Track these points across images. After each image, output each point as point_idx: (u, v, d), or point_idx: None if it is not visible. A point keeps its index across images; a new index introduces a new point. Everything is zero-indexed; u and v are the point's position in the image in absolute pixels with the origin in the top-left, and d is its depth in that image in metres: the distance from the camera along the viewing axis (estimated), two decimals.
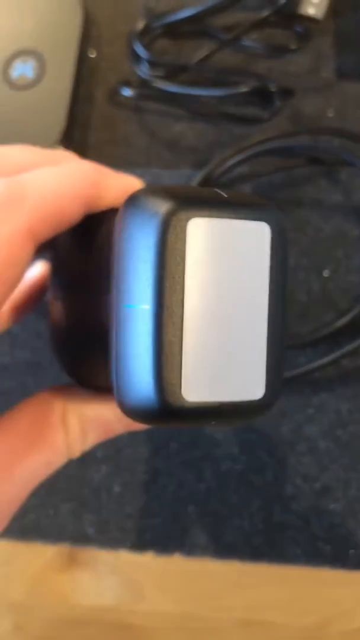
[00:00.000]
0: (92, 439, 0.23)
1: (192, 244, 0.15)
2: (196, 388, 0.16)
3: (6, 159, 0.21)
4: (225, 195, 0.16)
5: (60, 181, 0.19)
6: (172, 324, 0.15)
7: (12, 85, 0.43)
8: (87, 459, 0.37)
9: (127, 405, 0.17)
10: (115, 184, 0.20)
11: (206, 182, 0.35)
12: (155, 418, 0.16)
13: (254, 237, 0.16)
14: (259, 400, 0.16)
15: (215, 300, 0.16)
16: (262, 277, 0.16)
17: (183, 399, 0.16)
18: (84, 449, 0.23)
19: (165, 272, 0.15)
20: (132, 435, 0.36)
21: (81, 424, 0.22)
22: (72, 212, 0.19)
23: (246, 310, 0.16)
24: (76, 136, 0.44)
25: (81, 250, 0.18)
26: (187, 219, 0.15)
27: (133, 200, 0.16)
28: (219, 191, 0.16)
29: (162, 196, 0.15)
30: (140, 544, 0.36)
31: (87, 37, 0.45)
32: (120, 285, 0.16)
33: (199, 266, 0.15)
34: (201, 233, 0.15)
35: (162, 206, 0.15)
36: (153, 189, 0.16)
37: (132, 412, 0.17)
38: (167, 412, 0.16)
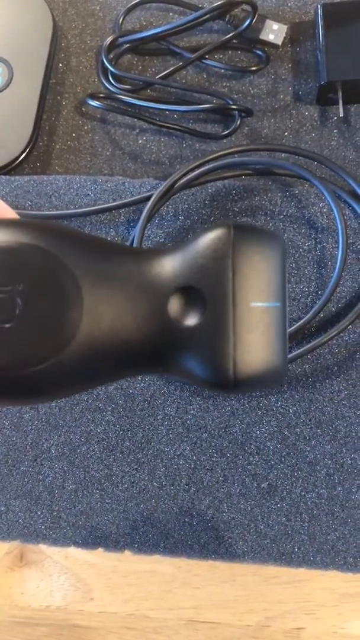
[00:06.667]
0: None
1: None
2: None
3: None
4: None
5: None
6: None
7: None
8: (41, 456, 0.37)
9: None
10: None
11: (169, 190, 0.37)
12: None
13: None
14: None
15: None
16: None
17: None
18: None
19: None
20: (87, 433, 0.37)
21: None
22: None
23: None
24: (42, 144, 0.45)
25: None
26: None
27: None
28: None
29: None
30: (91, 541, 0.37)
31: (55, 48, 0.46)
32: None
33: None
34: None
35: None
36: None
37: None
38: None
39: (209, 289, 0.18)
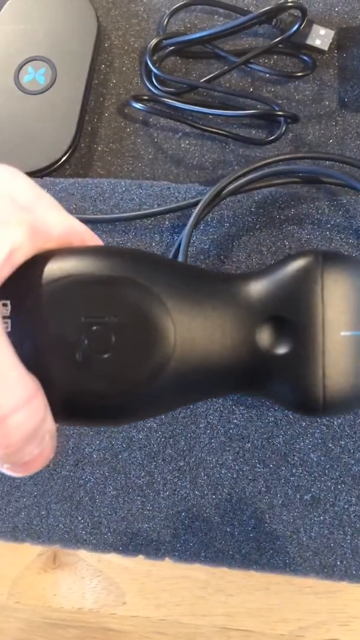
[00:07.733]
0: None
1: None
2: None
3: None
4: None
5: None
6: None
7: (23, 88, 0.44)
8: (83, 461, 0.37)
9: None
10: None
11: (216, 197, 0.37)
12: None
13: None
14: None
15: None
16: None
17: None
18: None
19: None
20: (128, 439, 0.37)
21: None
22: None
23: None
24: (84, 145, 0.45)
25: None
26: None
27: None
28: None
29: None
30: (131, 548, 0.36)
31: (99, 49, 0.46)
32: None
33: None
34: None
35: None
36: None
37: None
38: None
39: (298, 319, 0.18)
